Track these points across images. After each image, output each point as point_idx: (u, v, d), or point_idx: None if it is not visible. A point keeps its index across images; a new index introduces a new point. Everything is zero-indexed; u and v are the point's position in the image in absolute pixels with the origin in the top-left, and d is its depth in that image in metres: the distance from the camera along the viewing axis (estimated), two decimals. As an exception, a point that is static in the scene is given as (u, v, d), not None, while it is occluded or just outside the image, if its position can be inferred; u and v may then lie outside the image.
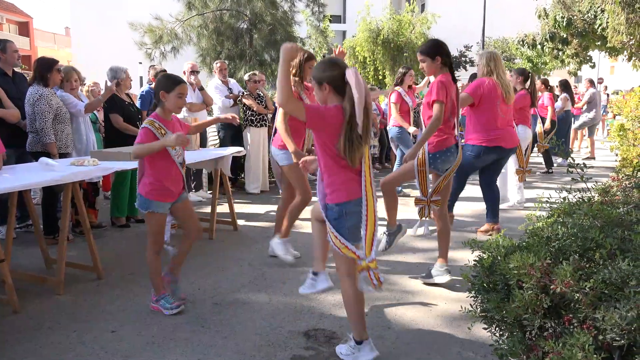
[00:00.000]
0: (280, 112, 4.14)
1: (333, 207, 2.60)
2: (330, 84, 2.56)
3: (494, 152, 4.90)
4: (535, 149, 8.95)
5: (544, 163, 9.63)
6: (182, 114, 6.79)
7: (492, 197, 5.25)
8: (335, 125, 2.53)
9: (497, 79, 4.81)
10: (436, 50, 3.75)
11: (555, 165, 10.22)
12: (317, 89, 2.63)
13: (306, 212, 4.21)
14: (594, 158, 11.29)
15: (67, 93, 5.26)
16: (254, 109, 7.23)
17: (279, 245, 4.38)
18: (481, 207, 5.59)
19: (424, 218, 3.92)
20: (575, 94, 11.70)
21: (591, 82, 11.41)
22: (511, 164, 6.58)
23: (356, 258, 2.57)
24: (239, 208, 6.42)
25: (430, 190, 3.83)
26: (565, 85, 9.90)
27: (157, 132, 3.24)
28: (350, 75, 2.50)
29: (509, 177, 6.65)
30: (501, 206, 6.49)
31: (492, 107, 4.79)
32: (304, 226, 5.60)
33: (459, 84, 5.12)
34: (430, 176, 3.88)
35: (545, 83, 9.36)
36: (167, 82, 3.29)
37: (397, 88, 6.94)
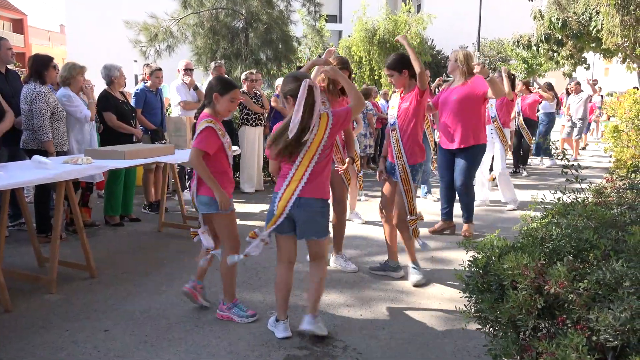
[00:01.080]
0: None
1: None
2: (292, 96, 2.91)
3: (440, 151, 5.26)
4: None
5: (514, 162, 9.68)
6: (177, 112, 6.78)
7: (453, 198, 5.36)
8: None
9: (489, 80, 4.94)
10: (402, 64, 3.88)
11: (543, 165, 10.30)
12: (284, 101, 3.03)
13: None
14: (576, 159, 11.33)
15: (75, 95, 5.23)
16: (250, 108, 7.21)
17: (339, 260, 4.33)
18: (477, 208, 5.60)
19: (419, 240, 3.98)
20: (568, 93, 11.74)
21: (579, 84, 11.47)
22: (497, 165, 6.65)
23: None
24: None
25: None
26: (549, 88, 9.96)
27: (219, 133, 3.17)
28: (301, 88, 2.85)
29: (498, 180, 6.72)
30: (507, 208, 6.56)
31: (485, 106, 5.14)
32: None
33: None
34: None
35: (526, 84, 9.47)
36: (222, 85, 3.21)
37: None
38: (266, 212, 6.11)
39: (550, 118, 10.29)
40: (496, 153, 6.67)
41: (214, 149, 3.15)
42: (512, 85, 6.67)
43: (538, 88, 9.74)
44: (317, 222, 3.02)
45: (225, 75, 7.55)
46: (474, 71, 4.85)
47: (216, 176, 3.17)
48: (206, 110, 3.25)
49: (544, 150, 10.05)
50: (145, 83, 6.46)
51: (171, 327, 3.19)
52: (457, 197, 5.35)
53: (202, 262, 3.40)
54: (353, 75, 17.31)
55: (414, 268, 3.99)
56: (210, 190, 3.17)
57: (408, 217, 3.91)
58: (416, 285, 3.91)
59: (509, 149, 6.97)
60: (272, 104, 7.35)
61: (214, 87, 3.22)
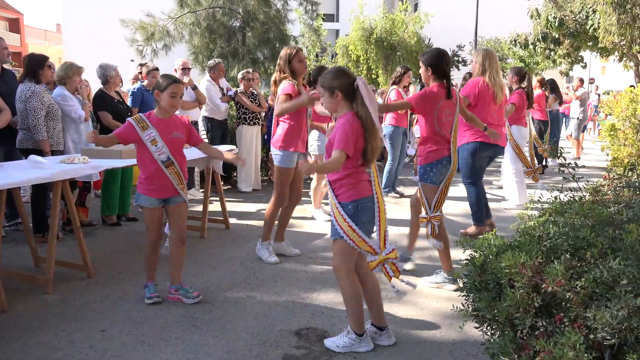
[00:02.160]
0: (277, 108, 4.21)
1: (348, 205, 2.78)
2: (342, 91, 2.76)
3: (488, 148, 4.93)
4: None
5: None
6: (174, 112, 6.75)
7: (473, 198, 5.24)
8: (358, 135, 2.74)
9: (489, 79, 4.82)
10: (428, 61, 3.82)
11: (545, 165, 10.27)
12: (329, 96, 2.81)
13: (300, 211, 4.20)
14: (578, 158, 11.34)
15: (70, 94, 5.21)
16: (248, 107, 7.19)
17: (261, 250, 4.45)
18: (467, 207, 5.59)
19: (430, 238, 3.87)
20: (566, 93, 11.71)
21: (581, 81, 11.44)
22: (507, 164, 6.60)
23: (372, 252, 2.79)
24: (231, 207, 6.39)
25: (431, 205, 3.80)
26: (552, 85, 9.88)
27: (137, 125, 3.33)
28: (360, 85, 2.73)
29: (506, 178, 6.68)
30: (503, 205, 6.54)
31: (486, 107, 4.83)
32: (304, 225, 5.60)
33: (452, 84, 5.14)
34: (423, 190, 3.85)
35: (541, 82, 9.30)
36: (161, 81, 3.35)
37: (395, 87, 6.93)
38: (263, 211, 6.10)
39: (554, 117, 10.22)
40: (508, 153, 6.52)
41: (126, 140, 3.39)
42: (529, 84, 6.56)
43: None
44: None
45: (222, 77, 7.55)
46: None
47: (144, 166, 3.40)
48: (155, 110, 3.43)
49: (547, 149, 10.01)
50: (142, 82, 6.44)
51: (168, 326, 3.18)
52: (451, 195, 5.31)
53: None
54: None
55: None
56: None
57: (423, 213, 3.88)
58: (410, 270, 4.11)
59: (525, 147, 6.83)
60: (270, 102, 7.34)
61: (156, 85, 3.39)
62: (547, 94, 9.06)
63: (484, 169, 5.16)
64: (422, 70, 3.89)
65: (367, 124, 2.73)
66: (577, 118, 11.14)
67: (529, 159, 6.55)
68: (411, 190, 7.29)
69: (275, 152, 4.33)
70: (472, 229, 5.25)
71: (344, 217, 2.76)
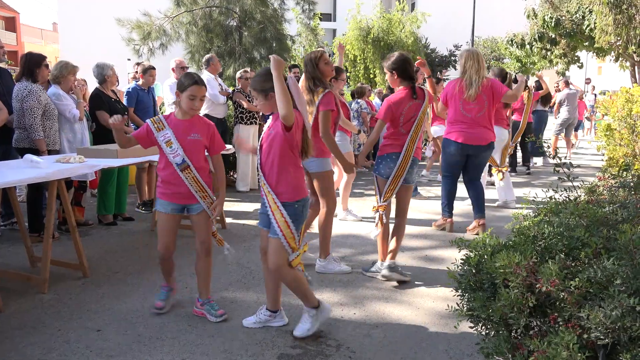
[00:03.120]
0: (321, 122, 3.93)
1: (294, 204, 2.93)
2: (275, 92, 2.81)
3: (456, 146, 5.11)
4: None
5: (522, 162, 9.68)
6: (171, 110, 6.75)
7: (475, 194, 5.36)
8: (299, 127, 2.91)
9: (466, 80, 5.01)
10: (393, 65, 3.94)
11: (534, 164, 10.30)
12: (263, 98, 2.92)
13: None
14: (555, 156, 11.30)
15: (65, 93, 5.20)
16: (245, 107, 7.19)
17: (328, 266, 4.19)
18: (469, 207, 5.61)
19: (377, 226, 4.01)
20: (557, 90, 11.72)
21: (566, 83, 11.45)
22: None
23: (296, 248, 2.96)
24: (228, 206, 6.39)
25: (381, 196, 3.98)
26: (537, 85, 9.89)
27: (153, 126, 3.20)
28: (290, 84, 2.83)
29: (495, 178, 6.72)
30: (493, 204, 6.57)
31: (455, 105, 5.09)
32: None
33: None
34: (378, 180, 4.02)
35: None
36: (182, 82, 3.17)
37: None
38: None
39: (542, 116, 10.24)
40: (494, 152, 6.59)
41: (143, 141, 3.26)
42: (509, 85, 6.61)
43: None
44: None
45: (219, 70, 7.55)
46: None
47: (161, 168, 3.27)
48: (175, 110, 3.30)
49: (535, 149, 10.02)
50: (137, 82, 6.43)
51: (164, 326, 3.18)
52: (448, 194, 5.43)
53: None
54: (347, 74, 17.37)
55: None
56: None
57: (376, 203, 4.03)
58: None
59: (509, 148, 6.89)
60: None
61: (177, 84, 3.24)
62: (526, 95, 9.09)
63: (458, 165, 5.30)
64: (387, 77, 4.03)
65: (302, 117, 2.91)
66: (561, 118, 11.15)
67: (498, 161, 6.60)
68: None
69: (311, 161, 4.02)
70: (439, 220, 5.51)
71: (284, 215, 2.90)
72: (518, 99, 6.30)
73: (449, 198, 5.39)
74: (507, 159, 6.98)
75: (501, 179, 6.47)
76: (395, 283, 3.93)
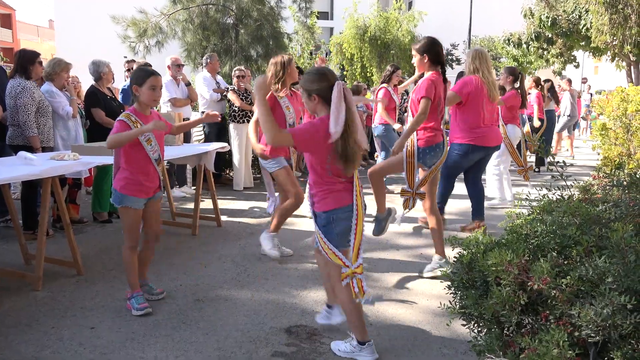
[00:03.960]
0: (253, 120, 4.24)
1: (321, 215, 2.70)
2: (319, 95, 2.64)
3: (480, 150, 4.87)
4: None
5: (534, 162, 9.69)
6: (166, 109, 6.74)
7: (477, 194, 5.23)
8: (326, 141, 2.58)
9: (482, 77, 4.80)
10: (425, 48, 3.91)
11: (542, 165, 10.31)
12: (307, 99, 2.72)
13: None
14: (572, 157, 11.39)
15: (58, 90, 5.18)
16: (237, 105, 7.17)
17: (267, 240, 4.35)
18: (467, 204, 5.61)
19: (406, 210, 4.07)
20: (561, 89, 11.76)
21: (569, 82, 11.48)
22: (492, 160, 6.61)
23: (342, 265, 2.64)
24: (223, 204, 6.38)
25: (416, 183, 3.98)
26: (537, 84, 9.88)
27: (132, 125, 3.19)
28: (334, 90, 2.57)
29: (488, 174, 6.70)
30: (490, 203, 6.55)
31: (478, 106, 4.76)
32: (297, 223, 5.59)
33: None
34: (420, 170, 4.02)
35: (537, 81, 9.32)
36: (139, 75, 3.22)
37: (384, 85, 6.98)
38: (255, 209, 6.11)
39: (549, 116, 10.22)
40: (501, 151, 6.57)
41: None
42: (521, 83, 6.59)
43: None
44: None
45: (218, 69, 7.55)
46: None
47: (133, 164, 3.26)
48: (134, 105, 3.31)
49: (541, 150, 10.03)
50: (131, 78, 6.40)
51: (158, 324, 3.18)
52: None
53: None
54: (345, 73, 17.37)
55: (378, 220, 4.13)
56: (116, 183, 3.30)
57: (404, 187, 4.02)
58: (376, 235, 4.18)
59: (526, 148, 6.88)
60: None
61: (133, 80, 3.25)
62: (544, 93, 9.10)
63: (463, 169, 5.12)
64: (417, 59, 3.95)
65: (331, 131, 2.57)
66: (567, 116, 11.19)
67: (521, 158, 6.58)
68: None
69: (266, 164, 4.33)
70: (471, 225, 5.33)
71: (317, 226, 2.73)
72: None
73: (445, 199, 5.13)
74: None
75: (528, 179, 6.47)
76: (391, 281, 3.94)
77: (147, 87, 3.20)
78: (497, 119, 5.11)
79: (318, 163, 2.66)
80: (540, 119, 8.94)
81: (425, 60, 3.89)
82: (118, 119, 3.23)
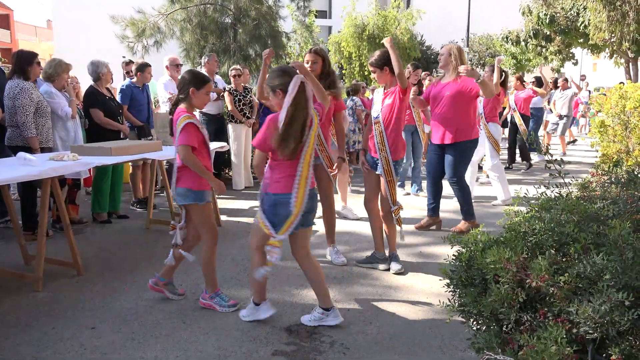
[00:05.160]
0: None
1: (270, 195, 3.00)
2: (282, 90, 2.93)
3: (430, 146, 5.21)
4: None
5: (522, 160, 9.73)
6: (165, 108, 6.74)
7: (461, 194, 5.24)
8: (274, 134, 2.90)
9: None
10: (383, 61, 3.98)
11: (532, 161, 10.32)
12: (272, 95, 3.02)
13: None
14: (564, 154, 11.39)
15: (57, 91, 5.18)
16: (230, 109, 7.17)
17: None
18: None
19: (401, 227, 4.18)
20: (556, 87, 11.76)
21: (566, 81, 11.49)
22: (489, 162, 6.65)
23: (268, 234, 2.97)
24: (222, 204, 6.38)
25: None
26: (538, 82, 9.89)
27: (199, 127, 3.27)
28: (291, 82, 2.88)
29: (490, 176, 6.72)
30: (493, 203, 6.57)
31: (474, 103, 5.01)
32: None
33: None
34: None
35: (520, 79, 9.42)
36: (197, 80, 3.28)
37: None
38: (255, 209, 6.08)
39: (540, 114, 10.28)
40: (486, 149, 6.66)
41: (197, 142, 3.24)
42: (504, 82, 6.65)
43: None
44: (315, 210, 3.12)
45: (216, 69, 7.55)
46: (461, 73, 4.66)
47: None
48: (182, 106, 3.31)
49: (532, 146, 10.05)
50: (132, 79, 6.41)
51: (158, 323, 3.18)
52: (443, 193, 5.38)
53: (169, 259, 3.48)
54: (343, 71, 17.38)
55: (394, 258, 4.15)
56: (187, 182, 3.27)
57: (392, 207, 4.07)
58: (397, 274, 4.04)
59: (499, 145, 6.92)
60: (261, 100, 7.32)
61: (189, 82, 3.28)
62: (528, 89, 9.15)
63: (432, 165, 5.29)
64: (377, 75, 4.08)
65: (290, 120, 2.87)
66: (565, 116, 11.19)
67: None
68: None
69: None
70: (460, 225, 5.31)
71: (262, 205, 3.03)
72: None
73: (471, 200, 5.29)
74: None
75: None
76: (390, 280, 3.95)
77: (204, 92, 3.30)
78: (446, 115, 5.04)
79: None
80: (525, 117, 9.02)
81: (387, 72, 4.01)
82: (187, 122, 3.19)
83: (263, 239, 3.03)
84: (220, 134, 7.31)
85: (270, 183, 3.00)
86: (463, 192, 5.17)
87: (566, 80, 11.38)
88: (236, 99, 7.15)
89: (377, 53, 4.07)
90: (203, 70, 7.42)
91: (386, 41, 4.08)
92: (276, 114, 2.95)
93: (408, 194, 7.26)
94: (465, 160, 5.16)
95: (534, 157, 10.45)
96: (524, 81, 9.48)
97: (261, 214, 3.02)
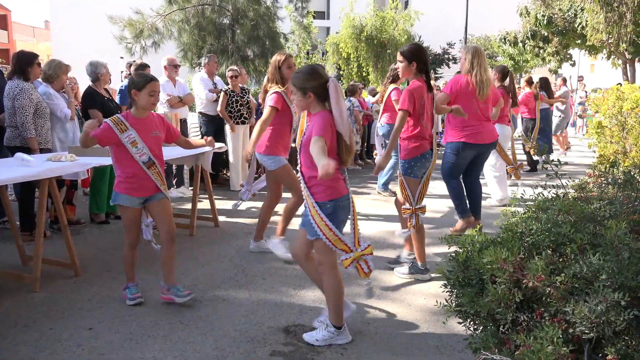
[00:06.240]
0: (262, 118, 4.19)
1: (326, 204, 2.81)
2: (314, 92, 2.78)
3: (472, 148, 4.88)
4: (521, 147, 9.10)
5: (527, 162, 9.72)
6: (163, 109, 6.73)
7: (474, 194, 5.20)
8: (333, 132, 2.79)
9: (475, 76, 4.78)
10: (413, 55, 3.87)
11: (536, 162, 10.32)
12: (301, 96, 2.83)
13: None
14: (565, 154, 11.40)
15: (56, 92, 5.18)
16: (218, 109, 7.17)
17: (278, 246, 4.36)
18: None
19: (411, 230, 3.96)
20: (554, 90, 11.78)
21: (564, 81, 11.50)
22: (491, 160, 6.63)
23: (347, 250, 2.82)
24: (220, 204, 6.38)
25: (415, 198, 3.92)
26: (544, 84, 9.87)
27: (115, 127, 3.25)
28: (331, 86, 2.76)
29: (487, 174, 6.71)
30: (487, 202, 6.57)
31: (468, 104, 4.73)
32: (292, 222, 5.60)
33: (442, 81, 5.14)
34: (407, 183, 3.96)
35: (529, 81, 9.33)
36: (138, 80, 3.28)
37: (394, 85, 6.83)
38: (253, 209, 6.10)
39: (545, 114, 10.21)
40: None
41: (105, 143, 3.29)
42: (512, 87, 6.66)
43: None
44: None
45: (216, 71, 7.56)
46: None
47: (123, 166, 3.33)
48: (131, 110, 3.37)
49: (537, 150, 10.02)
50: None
51: (156, 324, 3.18)
52: (443, 192, 5.36)
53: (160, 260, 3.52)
54: (341, 72, 17.37)
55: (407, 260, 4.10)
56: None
57: (404, 206, 3.98)
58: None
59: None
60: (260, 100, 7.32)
61: (131, 84, 3.30)
62: (535, 92, 9.08)
63: (463, 167, 5.07)
64: (403, 65, 3.91)
65: (337, 125, 2.78)
66: (560, 116, 11.21)
67: (510, 157, 6.62)
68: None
69: (263, 159, 4.33)
70: (458, 224, 5.24)
71: (321, 216, 2.79)
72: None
73: (461, 198, 5.10)
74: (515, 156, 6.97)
75: (519, 178, 6.49)
76: (388, 280, 3.95)
77: (146, 92, 3.26)
78: (489, 116, 5.03)
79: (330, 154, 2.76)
80: (532, 119, 8.97)
81: (414, 67, 3.87)
82: (105, 120, 3.29)
83: (334, 253, 2.87)
84: (219, 134, 7.31)
85: (322, 190, 2.82)
86: (450, 191, 5.12)
87: (565, 80, 11.42)
88: (233, 100, 7.15)
89: (410, 45, 3.99)
90: (203, 72, 7.43)
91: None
92: (326, 112, 2.79)
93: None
94: (449, 159, 5.03)
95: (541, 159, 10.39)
96: (533, 82, 9.36)
97: (332, 227, 2.79)
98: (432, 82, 4.11)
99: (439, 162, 4.87)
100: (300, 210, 4.11)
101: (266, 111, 4.19)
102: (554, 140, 11.22)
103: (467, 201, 5.18)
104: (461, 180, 5.12)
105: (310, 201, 2.83)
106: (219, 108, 7.08)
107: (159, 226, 3.43)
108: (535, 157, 9.98)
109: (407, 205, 3.94)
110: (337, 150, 2.83)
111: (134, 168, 3.30)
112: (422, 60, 3.86)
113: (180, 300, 3.38)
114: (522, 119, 9.23)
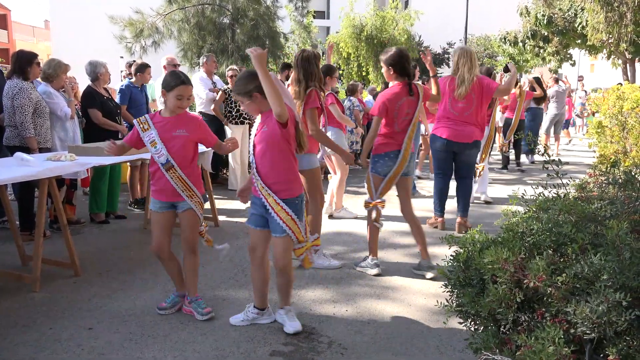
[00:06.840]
0: (309, 120, 3.97)
1: (294, 200, 2.97)
2: (259, 91, 2.85)
3: (441, 142, 5.13)
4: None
5: (515, 160, 9.73)
6: (162, 108, 6.72)
7: (461, 192, 5.31)
8: (292, 121, 2.93)
9: (458, 78, 4.96)
10: (390, 61, 3.95)
11: (528, 162, 10.33)
12: (248, 100, 2.92)
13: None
14: (557, 154, 11.40)
15: (55, 91, 5.17)
16: (212, 107, 7.17)
17: (319, 259, 4.20)
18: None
19: (379, 223, 4.09)
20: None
21: (556, 80, 11.47)
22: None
23: (303, 240, 3.01)
24: (220, 204, 6.38)
25: (377, 193, 4.02)
26: (537, 82, 9.82)
27: (139, 126, 3.20)
28: (272, 77, 2.83)
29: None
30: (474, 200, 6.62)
31: (444, 102, 5.04)
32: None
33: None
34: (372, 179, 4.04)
35: (532, 82, 9.36)
36: (168, 81, 3.15)
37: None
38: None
39: (536, 114, 10.23)
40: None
41: (140, 144, 3.27)
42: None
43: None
44: None
45: (214, 70, 7.55)
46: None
47: (153, 170, 3.28)
48: (162, 109, 3.31)
49: (526, 146, 10.03)
50: (130, 80, 6.40)
51: (156, 324, 3.18)
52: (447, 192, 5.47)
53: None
54: (340, 72, 17.34)
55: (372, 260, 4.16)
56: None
57: (366, 199, 4.08)
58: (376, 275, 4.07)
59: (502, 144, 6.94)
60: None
61: (163, 83, 3.21)
62: (520, 92, 9.05)
63: (447, 162, 5.24)
64: (384, 70, 4.05)
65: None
66: (550, 115, 11.21)
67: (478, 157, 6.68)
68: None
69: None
70: (431, 219, 5.52)
71: (288, 212, 2.92)
72: (510, 92, 6.29)
73: (440, 197, 5.36)
74: (489, 156, 6.99)
75: (479, 176, 6.53)
76: (388, 280, 3.95)
77: (174, 94, 3.12)
78: (471, 118, 5.06)
79: (288, 147, 2.93)
80: (510, 119, 8.93)
81: (392, 72, 3.97)
82: (134, 120, 3.29)
83: (267, 242, 3.12)
84: (219, 134, 7.30)
85: (287, 188, 2.97)
86: (433, 186, 5.47)
87: (557, 80, 11.39)
88: (233, 99, 7.14)
89: (389, 51, 4.01)
90: (202, 71, 7.42)
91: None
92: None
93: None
94: (433, 155, 5.44)
95: (524, 158, 10.38)
96: (517, 83, 9.35)
97: (296, 220, 2.97)
98: (418, 82, 4.26)
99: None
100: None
101: (310, 113, 3.97)
102: (544, 140, 11.18)
103: (458, 200, 5.36)
104: (451, 179, 5.37)
105: (273, 199, 2.91)
106: (213, 106, 7.08)
107: (181, 236, 3.33)
108: (523, 158, 10.02)
109: (369, 199, 4.05)
110: (295, 138, 2.99)
111: (156, 168, 3.21)
112: (399, 65, 3.93)
113: (200, 318, 3.23)
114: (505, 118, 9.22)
